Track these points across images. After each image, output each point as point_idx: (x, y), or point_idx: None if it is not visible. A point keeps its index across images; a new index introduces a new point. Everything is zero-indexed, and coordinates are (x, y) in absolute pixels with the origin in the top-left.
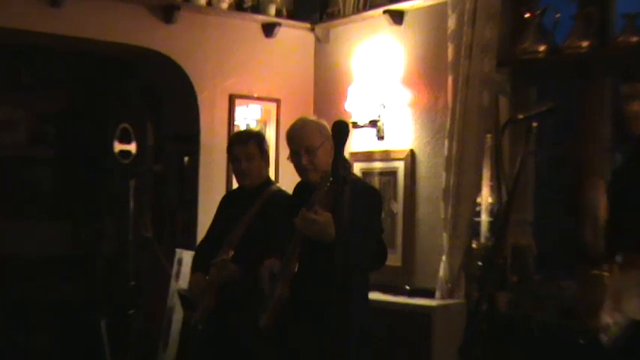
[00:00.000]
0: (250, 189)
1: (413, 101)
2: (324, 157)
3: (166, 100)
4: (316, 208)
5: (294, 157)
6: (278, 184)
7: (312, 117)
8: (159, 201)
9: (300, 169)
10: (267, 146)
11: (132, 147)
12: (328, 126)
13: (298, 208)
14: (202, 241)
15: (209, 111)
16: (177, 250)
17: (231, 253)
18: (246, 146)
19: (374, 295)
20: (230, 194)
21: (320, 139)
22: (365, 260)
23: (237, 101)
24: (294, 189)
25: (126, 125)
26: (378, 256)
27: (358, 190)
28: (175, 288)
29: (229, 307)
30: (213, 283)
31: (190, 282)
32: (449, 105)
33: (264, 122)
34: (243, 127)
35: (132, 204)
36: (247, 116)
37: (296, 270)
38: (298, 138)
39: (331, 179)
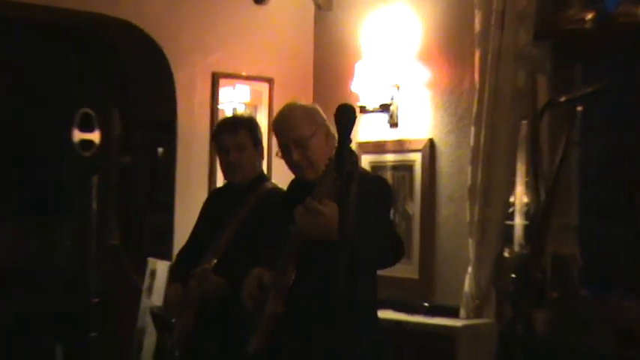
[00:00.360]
0: (240, 186)
1: (432, 81)
2: (319, 149)
3: (136, 79)
4: (321, 198)
5: (284, 152)
6: (273, 181)
7: (301, 101)
8: (127, 201)
9: (292, 166)
10: (261, 135)
11: (94, 136)
12: (320, 110)
13: (293, 207)
14: (183, 248)
15: (187, 93)
16: (150, 260)
17: (214, 262)
18: (236, 134)
19: (385, 314)
20: (216, 192)
21: (311, 127)
22: (376, 259)
23: (222, 81)
24: (289, 186)
25: (87, 110)
26: (393, 251)
27: (365, 185)
28: (147, 305)
29: (211, 327)
30: (192, 298)
31: (166, 297)
32: (476, 85)
33: (253, 106)
34: (228, 113)
35: (94, 205)
36: (234, 99)
37: (292, 282)
38: (285, 129)
39: (335, 174)
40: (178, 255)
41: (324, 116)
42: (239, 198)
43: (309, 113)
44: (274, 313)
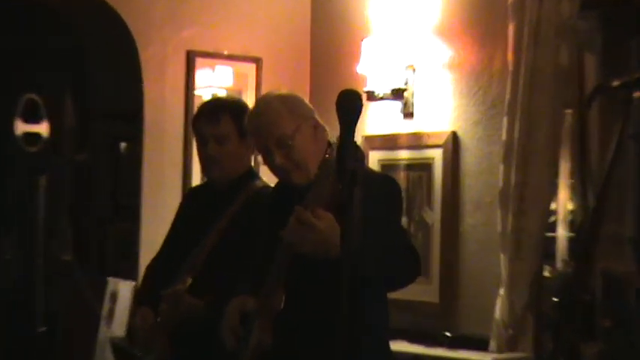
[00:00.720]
0: (222, 185)
1: (455, 62)
2: (305, 147)
3: (94, 60)
4: (314, 208)
5: (265, 155)
6: (263, 180)
7: (279, 90)
8: (83, 207)
9: (276, 171)
10: None
11: (42, 128)
12: (304, 99)
13: (281, 214)
14: (153, 262)
15: (157, 76)
16: (110, 281)
17: (189, 280)
18: (216, 123)
19: (399, 346)
20: (194, 192)
21: (293, 121)
22: (387, 278)
23: (199, 61)
24: (275, 188)
25: (33, 97)
26: (408, 268)
27: (371, 187)
28: (107, 336)
29: (192, 358)
30: (165, 324)
31: (132, 323)
32: (509, 67)
33: (237, 91)
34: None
35: (42, 211)
36: (213, 83)
37: (281, 306)
38: (262, 128)
39: (335, 175)
40: (147, 270)
41: (310, 107)
42: (222, 200)
43: (289, 104)
44: (261, 345)
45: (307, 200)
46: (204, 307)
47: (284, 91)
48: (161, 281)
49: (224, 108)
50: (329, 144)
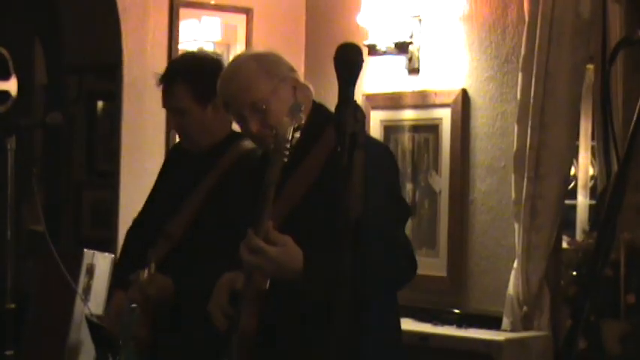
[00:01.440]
0: (205, 148)
1: (466, 12)
2: (283, 110)
3: (68, 10)
4: (266, 228)
5: (239, 123)
6: (247, 142)
7: (252, 50)
8: (56, 173)
9: (252, 138)
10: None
11: (10, 85)
12: (281, 57)
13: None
14: (132, 228)
15: (137, 28)
16: (87, 252)
17: (153, 266)
18: (171, 95)
19: (405, 325)
20: (178, 150)
21: (268, 83)
22: (391, 281)
23: (183, 12)
24: (260, 156)
25: (0, 50)
26: (405, 266)
27: (370, 157)
28: (82, 313)
29: (173, 345)
30: (141, 307)
31: (108, 306)
32: (525, 17)
33: (226, 45)
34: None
35: (10, 177)
36: (199, 36)
37: (267, 286)
38: (234, 93)
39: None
40: (126, 240)
41: (289, 65)
42: (204, 163)
43: (264, 65)
44: (247, 329)
45: (265, 185)
46: (174, 286)
47: (259, 49)
48: (140, 254)
49: (176, 77)
50: (314, 104)
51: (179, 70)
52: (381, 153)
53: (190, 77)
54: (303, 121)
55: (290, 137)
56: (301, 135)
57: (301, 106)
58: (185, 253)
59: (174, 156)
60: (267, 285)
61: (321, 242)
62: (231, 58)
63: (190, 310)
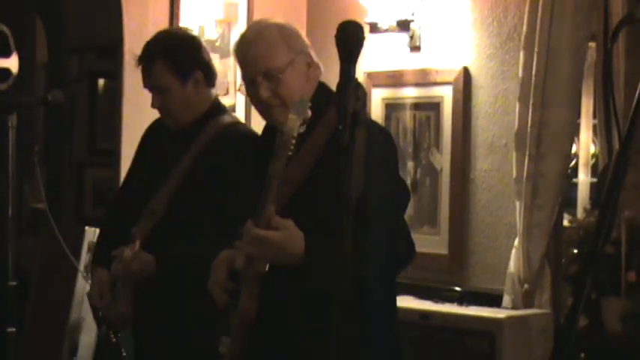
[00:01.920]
0: (181, 128)
1: None
2: (295, 84)
3: None
4: (268, 214)
5: (249, 87)
6: (233, 114)
7: (274, 19)
8: (57, 151)
9: (259, 105)
10: (199, 59)
11: (11, 63)
12: (300, 31)
13: (264, 163)
14: (112, 206)
15: (138, 6)
16: (88, 230)
17: (138, 242)
18: (150, 72)
19: (405, 302)
20: (156, 127)
21: (288, 54)
22: (390, 267)
23: None
24: (263, 132)
25: (1, 27)
26: (404, 251)
27: (372, 141)
28: (85, 291)
29: (161, 323)
30: (123, 283)
31: (91, 286)
32: None
33: (227, 24)
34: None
35: (11, 156)
36: (200, 15)
37: (266, 269)
38: (252, 57)
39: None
40: (105, 220)
41: (307, 41)
42: (184, 138)
43: (285, 36)
44: (246, 312)
45: (262, 198)
46: (155, 261)
47: (280, 19)
48: (120, 231)
49: (154, 55)
50: (320, 84)
51: (156, 48)
52: (383, 137)
53: (168, 54)
54: (309, 115)
55: (296, 133)
56: (283, 131)
57: (308, 101)
58: (169, 229)
59: (152, 134)
60: (267, 267)
61: (324, 225)
62: (232, 36)
63: (174, 285)
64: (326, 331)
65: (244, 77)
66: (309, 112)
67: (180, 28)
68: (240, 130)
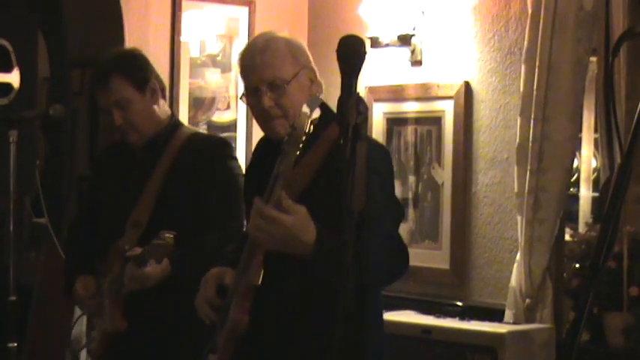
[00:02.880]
0: (144, 141)
1: (469, 4)
2: (298, 97)
3: (70, 2)
4: (282, 198)
5: (251, 96)
6: (188, 126)
7: (281, 32)
8: (58, 165)
9: (259, 115)
10: (149, 69)
11: (12, 78)
12: (305, 46)
13: (260, 174)
14: (74, 228)
15: (140, 20)
16: None
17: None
18: (107, 88)
19: (407, 317)
20: (111, 152)
21: (293, 67)
22: (388, 274)
23: (185, 4)
24: (257, 146)
25: (3, 42)
26: (397, 259)
27: (369, 157)
28: None
29: (150, 326)
30: (127, 287)
31: (76, 292)
32: (528, 10)
33: (228, 38)
34: (194, 47)
35: (13, 169)
36: (201, 29)
37: (260, 281)
38: (258, 67)
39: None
40: (70, 242)
41: (311, 58)
42: (148, 154)
43: (292, 48)
44: (237, 324)
45: (271, 183)
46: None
47: (286, 33)
48: (88, 254)
49: (110, 69)
50: (321, 102)
51: (110, 65)
52: (380, 153)
53: (122, 68)
54: (319, 114)
55: (307, 130)
56: (291, 133)
57: (320, 99)
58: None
59: (108, 157)
60: (260, 280)
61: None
62: (233, 50)
63: (161, 296)
64: (315, 346)
65: (248, 85)
66: (319, 111)
67: (124, 47)
68: (204, 139)
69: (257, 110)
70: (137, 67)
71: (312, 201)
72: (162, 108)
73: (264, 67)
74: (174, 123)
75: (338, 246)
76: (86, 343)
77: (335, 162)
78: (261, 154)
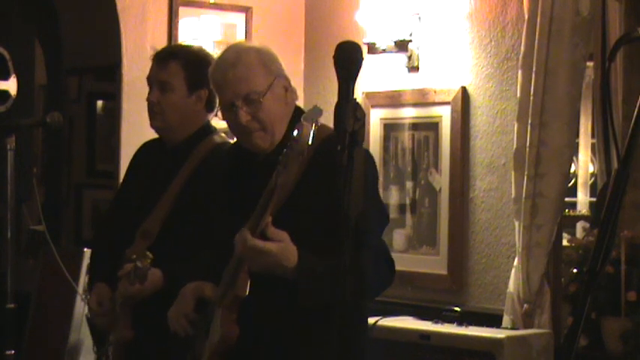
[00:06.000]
0: (175, 142)
1: (466, 9)
2: (275, 108)
3: (67, 8)
4: (267, 226)
5: (227, 111)
6: (222, 135)
7: (251, 43)
8: (55, 173)
9: (237, 130)
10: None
11: (10, 85)
12: (276, 55)
13: (238, 185)
14: (102, 227)
15: (137, 28)
16: (87, 252)
17: (150, 255)
18: (163, 67)
19: (405, 323)
20: (147, 148)
21: (266, 78)
22: (378, 286)
23: (182, 11)
24: (230, 153)
25: (0, 50)
26: (386, 272)
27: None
28: (84, 312)
29: (156, 337)
30: (125, 300)
31: (90, 301)
32: (525, 14)
33: (225, 44)
34: None
35: (10, 177)
36: (198, 35)
37: (246, 293)
38: (231, 81)
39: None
40: (97, 238)
41: (282, 64)
42: (175, 158)
43: (264, 59)
44: (228, 336)
45: (273, 185)
46: (166, 282)
47: (256, 43)
48: (114, 251)
49: (176, 54)
50: (297, 109)
51: (181, 51)
52: (369, 160)
53: (189, 60)
54: (319, 125)
55: (311, 142)
56: (282, 139)
57: (320, 110)
58: (163, 250)
59: (142, 155)
60: (247, 292)
61: (308, 241)
62: None
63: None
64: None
65: (222, 100)
66: (320, 122)
67: (206, 51)
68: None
69: (234, 125)
70: (201, 70)
71: (295, 209)
72: (200, 115)
73: (237, 82)
74: (204, 128)
75: (320, 270)
76: (98, 352)
77: (318, 169)
78: (241, 160)
